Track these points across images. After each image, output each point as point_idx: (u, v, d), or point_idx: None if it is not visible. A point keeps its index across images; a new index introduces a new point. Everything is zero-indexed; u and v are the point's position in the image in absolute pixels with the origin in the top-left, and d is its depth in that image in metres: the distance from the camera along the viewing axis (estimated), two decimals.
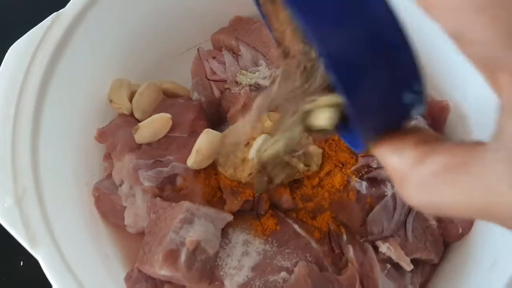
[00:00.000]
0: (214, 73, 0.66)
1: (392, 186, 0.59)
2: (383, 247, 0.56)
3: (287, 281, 0.52)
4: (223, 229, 0.56)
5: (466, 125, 0.63)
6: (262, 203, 0.57)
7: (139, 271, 0.55)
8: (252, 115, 0.36)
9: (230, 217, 0.56)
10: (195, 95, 0.67)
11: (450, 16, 0.21)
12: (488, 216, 0.24)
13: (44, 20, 0.60)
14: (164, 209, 0.56)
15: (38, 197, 0.53)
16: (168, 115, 0.62)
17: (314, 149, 0.57)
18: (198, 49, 0.69)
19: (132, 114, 0.66)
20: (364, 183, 0.57)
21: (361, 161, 0.58)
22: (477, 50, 0.22)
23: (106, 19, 0.64)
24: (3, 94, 0.56)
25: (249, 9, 0.75)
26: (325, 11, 0.23)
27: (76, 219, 0.59)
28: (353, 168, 0.58)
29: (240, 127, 0.57)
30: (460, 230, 0.59)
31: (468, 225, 0.59)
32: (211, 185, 0.59)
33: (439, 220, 0.60)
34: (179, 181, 0.59)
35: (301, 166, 0.56)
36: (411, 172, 0.26)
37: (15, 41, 0.58)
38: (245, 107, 0.61)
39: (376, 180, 0.59)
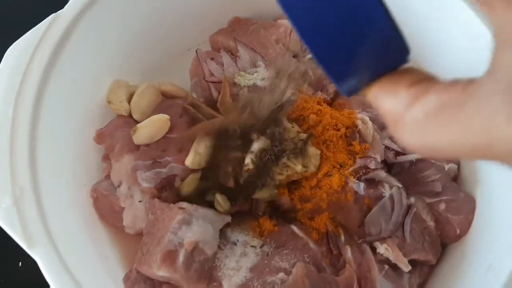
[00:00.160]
0: (212, 74, 0.67)
1: (390, 187, 0.59)
2: (381, 248, 0.56)
3: (285, 282, 0.52)
4: (221, 230, 0.56)
5: None
6: (260, 204, 0.57)
7: (138, 271, 0.55)
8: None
9: (228, 218, 0.56)
10: (193, 96, 0.67)
11: None
12: (486, 154, 0.23)
13: (43, 21, 0.60)
14: (162, 210, 0.56)
15: (36, 198, 0.53)
16: (166, 116, 0.62)
17: (312, 150, 0.58)
18: (196, 50, 0.69)
19: (130, 115, 0.66)
20: (362, 184, 0.58)
21: (359, 162, 0.59)
22: None
23: (105, 20, 0.64)
24: (1, 95, 0.56)
25: (248, 10, 0.76)
26: None
27: (74, 219, 0.59)
28: (351, 169, 0.58)
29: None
30: (458, 231, 0.60)
31: (465, 226, 0.60)
32: None
33: (437, 221, 0.61)
34: (177, 182, 0.59)
35: (299, 167, 0.56)
36: (405, 113, 0.26)
37: (13, 41, 0.58)
38: None
39: (374, 181, 0.59)
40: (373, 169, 0.58)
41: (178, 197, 0.59)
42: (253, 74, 0.65)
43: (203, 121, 0.60)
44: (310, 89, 0.69)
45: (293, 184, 0.58)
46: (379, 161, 0.60)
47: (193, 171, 0.59)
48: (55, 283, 0.50)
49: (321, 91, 0.68)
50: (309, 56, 0.31)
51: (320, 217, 0.58)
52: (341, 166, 0.58)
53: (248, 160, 0.55)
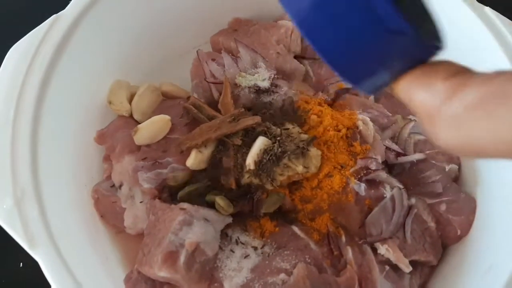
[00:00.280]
0: (213, 75, 0.67)
1: (391, 188, 0.59)
2: (382, 249, 0.56)
3: (286, 283, 0.52)
4: (222, 231, 0.56)
5: None
6: (261, 205, 0.57)
7: (139, 272, 0.55)
8: None
9: (229, 219, 0.56)
10: (195, 97, 0.67)
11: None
12: None
13: (44, 22, 0.60)
14: (163, 211, 0.56)
15: (37, 199, 0.53)
16: (167, 117, 0.62)
17: (313, 151, 0.58)
18: (197, 51, 0.69)
19: (131, 116, 0.66)
20: (363, 185, 0.58)
21: (360, 163, 0.59)
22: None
23: (105, 21, 0.65)
24: (2, 96, 0.56)
25: (248, 11, 0.76)
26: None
27: (75, 220, 0.59)
28: (351, 170, 0.58)
29: None
30: (459, 232, 0.60)
31: (466, 227, 0.60)
32: None
33: (438, 222, 0.61)
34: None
35: (300, 168, 0.56)
36: (442, 107, 0.24)
37: (14, 42, 0.59)
38: None
39: (375, 182, 0.59)
40: (374, 170, 0.58)
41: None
42: (254, 75, 0.65)
43: (204, 123, 0.60)
44: (311, 90, 0.69)
45: (294, 185, 0.58)
46: (380, 162, 0.60)
47: (193, 171, 0.59)
48: (56, 283, 0.50)
49: (321, 92, 0.68)
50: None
51: (321, 218, 0.58)
52: (342, 167, 0.58)
53: (249, 160, 0.55)
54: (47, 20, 0.60)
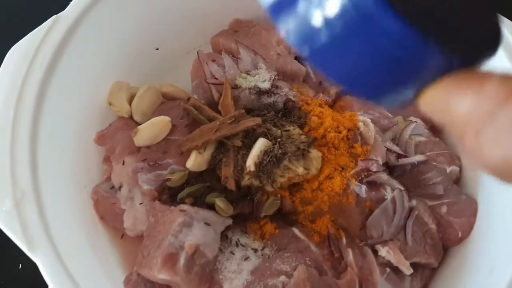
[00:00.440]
0: (213, 76, 0.66)
1: (392, 190, 0.59)
2: (383, 251, 0.56)
3: (287, 285, 0.52)
4: (222, 233, 0.56)
5: None
6: (261, 207, 0.57)
7: (138, 274, 0.55)
8: None
9: (229, 221, 0.56)
10: (195, 98, 0.67)
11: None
12: None
13: (44, 23, 0.60)
14: (163, 212, 0.55)
15: (37, 201, 0.53)
16: (167, 118, 0.62)
17: (313, 152, 0.57)
18: (197, 52, 0.69)
19: (131, 117, 0.66)
20: (364, 187, 0.57)
21: (361, 164, 0.58)
22: None
23: (106, 22, 0.64)
24: (2, 96, 0.56)
25: (249, 12, 0.75)
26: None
27: (75, 222, 0.59)
28: (352, 171, 0.58)
29: None
30: (460, 234, 0.59)
31: (467, 229, 0.59)
32: None
33: (439, 224, 0.60)
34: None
35: (300, 169, 0.56)
36: (497, 113, 0.21)
37: (14, 43, 0.58)
38: None
39: (376, 184, 0.59)
40: (375, 172, 0.58)
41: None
42: (254, 76, 0.65)
43: (204, 125, 0.60)
44: (311, 91, 0.69)
45: (294, 187, 0.58)
46: (381, 163, 0.60)
47: (193, 173, 0.59)
48: (55, 285, 0.49)
49: (322, 93, 0.68)
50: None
51: (322, 219, 0.58)
52: (342, 168, 0.58)
53: (249, 162, 0.55)
54: (47, 21, 0.60)
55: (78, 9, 0.61)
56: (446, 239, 0.60)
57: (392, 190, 0.59)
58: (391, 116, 0.67)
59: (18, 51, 0.58)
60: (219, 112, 0.63)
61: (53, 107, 0.59)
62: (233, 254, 0.55)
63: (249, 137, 0.58)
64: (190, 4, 0.72)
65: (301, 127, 0.61)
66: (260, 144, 0.56)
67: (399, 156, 0.63)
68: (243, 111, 0.61)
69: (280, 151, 0.56)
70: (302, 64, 0.71)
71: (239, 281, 0.53)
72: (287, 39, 0.25)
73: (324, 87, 0.70)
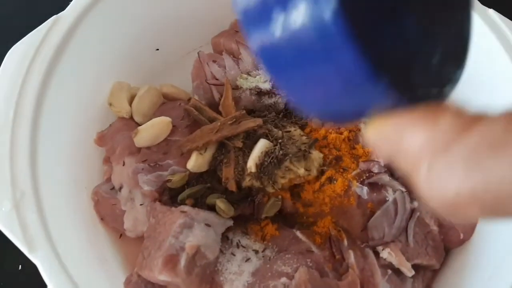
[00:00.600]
0: (214, 76, 0.66)
1: (394, 191, 0.58)
2: (384, 253, 0.56)
3: (288, 287, 0.52)
4: (223, 234, 0.55)
5: None
6: (262, 208, 0.57)
7: (139, 275, 0.54)
8: None
9: (230, 222, 0.56)
10: (196, 98, 0.67)
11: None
12: None
13: (44, 23, 0.60)
14: (164, 213, 0.55)
15: (37, 202, 0.53)
16: (168, 119, 0.61)
17: (315, 153, 0.57)
18: (198, 53, 0.69)
19: (132, 118, 0.66)
20: (365, 188, 0.57)
21: (362, 166, 0.58)
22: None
23: (106, 22, 0.64)
24: (2, 97, 0.56)
25: None
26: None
27: (75, 223, 0.58)
28: (354, 173, 0.58)
29: None
30: (461, 236, 0.59)
31: (469, 231, 0.59)
32: None
33: (441, 225, 0.60)
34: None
35: (301, 170, 0.56)
36: (450, 147, 0.20)
37: (14, 43, 0.58)
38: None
39: (377, 185, 0.58)
40: (376, 173, 0.58)
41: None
42: (255, 77, 0.65)
43: (205, 126, 0.60)
44: None
45: (295, 188, 0.58)
46: (382, 164, 0.59)
47: (194, 174, 0.59)
48: (55, 286, 0.49)
49: None
50: None
51: (323, 221, 0.57)
52: (344, 170, 0.58)
53: (250, 163, 0.55)
54: (47, 21, 0.60)
55: (78, 9, 0.61)
56: (448, 240, 0.60)
57: (394, 192, 0.58)
58: None
59: (18, 51, 0.58)
60: (219, 113, 0.63)
61: (53, 108, 0.58)
62: (234, 255, 0.55)
63: (250, 138, 0.58)
64: (191, 4, 0.72)
65: (302, 128, 0.61)
66: (261, 145, 0.56)
67: None
68: (244, 112, 0.61)
69: (281, 152, 0.56)
70: None
71: (239, 283, 0.53)
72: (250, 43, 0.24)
73: None
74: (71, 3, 0.61)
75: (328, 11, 0.20)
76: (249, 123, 0.58)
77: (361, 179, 0.58)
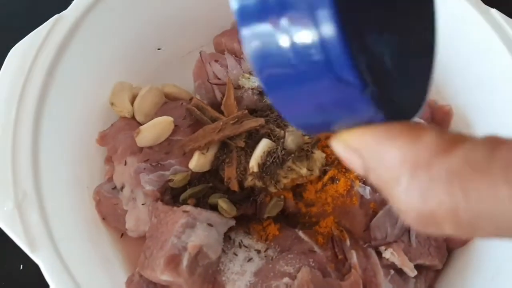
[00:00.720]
0: (216, 76, 0.66)
1: None
2: (387, 253, 0.56)
3: (290, 287, 0.52)
4: (225, 234, 0.55)
5: (470, 131, 0.63)
6: (264, 208, 0.57)
7: (140, 275, 0.54)
8: None
9: (232, 222, 0.56)
10: (197, 98, 0.67)
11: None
12: None
13: (45, 23, 0.60)
14: (166, 213, 0.55)
15: (39, 201, 0.53)
16: (170, 118, 0.61)
17: (317, 153, 0.57)
18: (200, 52, 0.69)
19: (133, 117, 0.66)
20: (368, 188, 0.57)
21: None
22: None
23: (108, 22, 0.64)
24: (3, 97, 0.56)
25: None
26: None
27: (76, 223, 0.58)
28: (356, 173, 0.58)
29: None
30: (464, 236, 0.59)
31: None
32: None
33: None
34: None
35: (304, 170, 0.56)
36: (432, 164, 0.20)
37: (16, 43, 0.58)
38: None
39: None
40: None
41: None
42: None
43: (207, 125, 0.60)
44: None
45: (297, 188, 0.58)
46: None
47: (196, 173, 0.59)
48: (57, 286, 0.49)
49: None
50: None
51: (325, 221, 0.57)
52: (346, 169, 0.58)
53: (252, 163, 0.55)
54: (48, 21, 0.60)
55: (80, 9, 0.61)
56: (450, 241, 0.60)
57: None
58: None
59: (19, 51, 0.58)
60: (222, 113, 0.63)
61: (54, 107, 0.58)
62: (236, 255, 0.55)
63: (252, 138, 0.58)
64: (193, 4, 0.72)
65: None
66: (263, 144, 0.56)
67: None
68: (246, 111, 0.61)
69: (283, 152, 0.56)
70: None
71: (242, 283, 0.53)
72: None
73: None
74: (73, 2, 0.61)
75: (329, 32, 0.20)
76: (251, 123, 0.58)
77: (364, 179, 0.58)
